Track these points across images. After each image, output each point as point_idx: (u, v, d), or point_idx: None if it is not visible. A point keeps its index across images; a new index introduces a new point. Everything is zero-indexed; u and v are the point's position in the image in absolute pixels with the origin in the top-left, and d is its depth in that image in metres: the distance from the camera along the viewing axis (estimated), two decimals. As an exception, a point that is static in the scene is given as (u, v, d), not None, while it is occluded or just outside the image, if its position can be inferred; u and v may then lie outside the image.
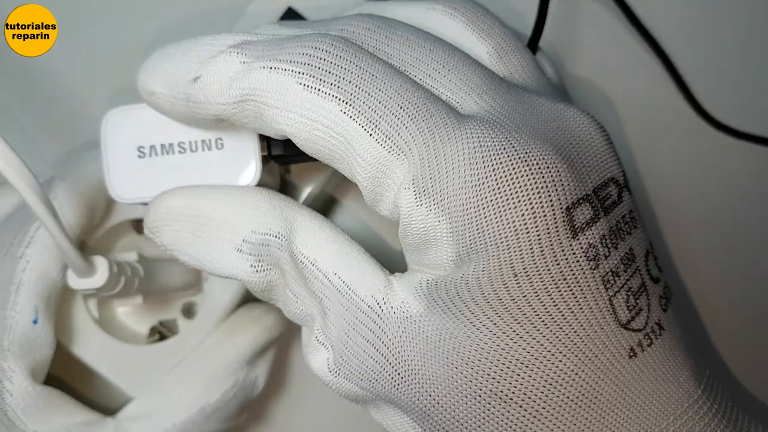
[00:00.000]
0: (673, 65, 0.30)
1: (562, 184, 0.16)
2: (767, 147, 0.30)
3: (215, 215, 0.19)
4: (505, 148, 0.16)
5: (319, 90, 0.16)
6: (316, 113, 0.16)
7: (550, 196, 0.15)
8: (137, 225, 0.26)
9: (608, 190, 0.17)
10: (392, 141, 0.16)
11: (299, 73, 0.16)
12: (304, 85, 0.16)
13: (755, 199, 0.31)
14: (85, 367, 0.24)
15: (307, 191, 0.25)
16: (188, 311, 0.27)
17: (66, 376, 0.25)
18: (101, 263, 0.20)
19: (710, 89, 0.30)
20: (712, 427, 0.17)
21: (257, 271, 0.19)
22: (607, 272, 0.16)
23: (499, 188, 0.15)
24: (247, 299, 0.26)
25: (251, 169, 0.20)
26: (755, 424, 0.18)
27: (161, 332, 0.26)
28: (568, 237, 0.15)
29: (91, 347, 0.24)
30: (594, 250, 0.16)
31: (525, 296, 0.15)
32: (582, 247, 0.16)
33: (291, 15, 0.25)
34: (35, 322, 0.22)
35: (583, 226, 0.16)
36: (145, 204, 0.20)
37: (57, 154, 0.28)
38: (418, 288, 0.17)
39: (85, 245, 0.24)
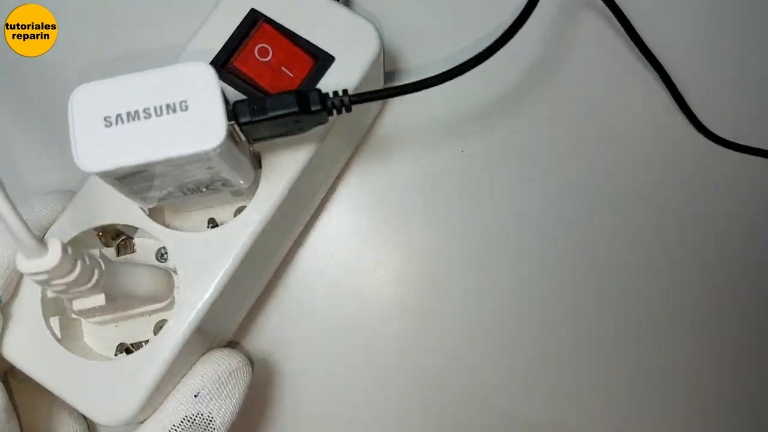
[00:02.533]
0: (670, 79, 0.30)
1: None
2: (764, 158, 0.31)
3: None
4: None
5: None
6: None
7: None
8: (103, 234, 0.25)
9: None
10: None
11: None
12: None
13: (753, 209, 0.31)
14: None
15: (284, 181, 0.24)
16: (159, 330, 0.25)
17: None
18: (54, 243, 0.18)
19: (706, 102, 0.31)
20: None
21: None
22: None
23: None
24: (214, 311, 0.24)
25: (217, 128, 0.19)
26: None
27: (128, 350, 0.24)
28: None
29: (54, 369, 0.22)
30: None
31: None
32: None
33: (253, 15, 0.25)
34: None
35: None
36: (110, 176, 0.19)
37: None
38: None
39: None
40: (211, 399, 0.23)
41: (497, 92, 0.31)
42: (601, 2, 0.29)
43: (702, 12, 0.32)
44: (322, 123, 0.22)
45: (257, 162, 0.24)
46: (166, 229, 0.23)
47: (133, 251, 0.26)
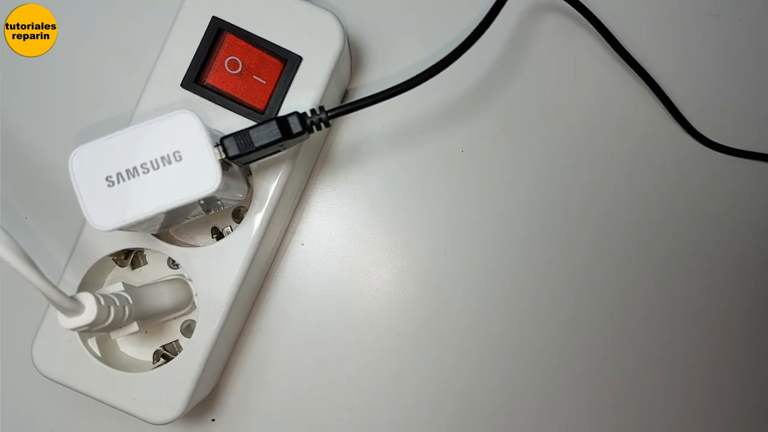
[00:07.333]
0: (658, 86, 0.30)
1: None
2: (754, 161, 0.31)
3: None
4: None
5: None
6: None
7: None
8: (117, 258, 0.27)
9: None
10: None
11: None
12: None
13: (744, 210, 0.31)
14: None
15: (272, 188, 0.26)
16: (188, 329, 0.28)
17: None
18: (87, 299, 0.21)
19: (697, 107, 0.31)
20: None
21: None
22: None
23: None
24: (230, 319, 0.26)
25: (212, 172, 0.20)
26: None
27: (165, 355, 0.27)
28: None
29: (101, 384, 0.25)
30: None
31: None
32: None
33: (216, 25, 0.25)
34: None
35: None
36: (123, 229, 0.20)
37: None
38: None
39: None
40: None
41: (488, 90, 0.32)
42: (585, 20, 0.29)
43: (689, 16, 0.32)
44: (303, 139, 0.23)
45: (248, 170, 0.26)
46: (179, 248, 0.25)
47: (146, 263, 0.28)
